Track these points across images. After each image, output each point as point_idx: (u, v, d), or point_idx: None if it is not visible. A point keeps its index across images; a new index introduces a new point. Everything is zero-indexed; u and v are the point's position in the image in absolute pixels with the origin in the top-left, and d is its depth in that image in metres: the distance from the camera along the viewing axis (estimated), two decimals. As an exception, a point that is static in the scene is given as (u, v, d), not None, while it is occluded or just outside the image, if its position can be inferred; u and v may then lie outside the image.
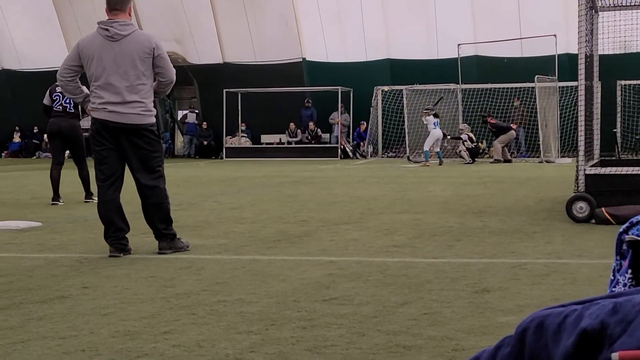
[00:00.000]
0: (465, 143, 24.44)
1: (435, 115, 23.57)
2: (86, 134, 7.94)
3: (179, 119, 32.90)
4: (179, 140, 33.04)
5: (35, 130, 33.13)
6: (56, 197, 11.14)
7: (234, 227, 8.43)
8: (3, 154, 33.36)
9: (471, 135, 24.77)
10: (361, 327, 4.01)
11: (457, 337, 3.81)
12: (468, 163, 23.70)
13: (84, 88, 6.69)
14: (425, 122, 23.66)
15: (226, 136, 30.19)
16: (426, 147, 23.29)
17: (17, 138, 33.53)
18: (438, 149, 23.65)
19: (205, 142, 31.13)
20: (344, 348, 3.64)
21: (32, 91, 31.95)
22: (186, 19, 30.17)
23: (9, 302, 4.73)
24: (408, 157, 25.80)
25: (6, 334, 3.98)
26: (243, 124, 30.59)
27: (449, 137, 24.93)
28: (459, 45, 26.54)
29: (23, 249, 7.02)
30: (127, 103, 6.38)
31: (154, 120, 6.58)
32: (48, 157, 31.99)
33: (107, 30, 6.41)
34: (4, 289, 5.14)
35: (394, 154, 28.46)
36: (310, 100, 30.24)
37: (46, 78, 30.68)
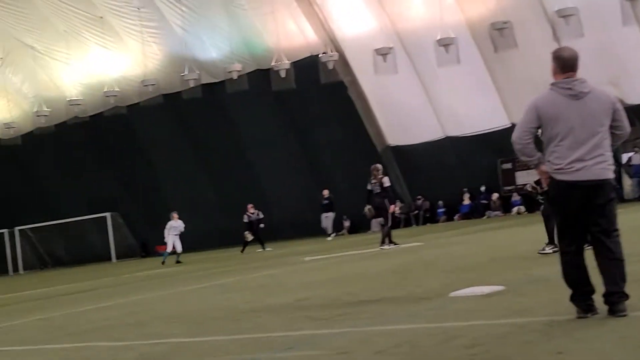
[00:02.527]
0: None
1: None
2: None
3: (624, 162, 31.81)
4: (627, 183, 31.85)
5: (482, 189, 34.18)
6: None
7: None
8: (455, 217, 34.81)
9: None
10: None
11: None
12: None
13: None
14: None
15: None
16: None
17: (466, 200, 34.83)
18: None
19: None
20: None
21: (476, 153, 33.28)
22: (620, 59, 29.34)
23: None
24: None
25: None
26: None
27: None
28: None
29: (490, 315, 7.22)
30: (593, 159, 6.33)
31: (614, 174, 6.50)
32: (497, 216, 32.83)
33: (570, 89, 6.42)
34: (481, 358, 5.33)
35: None
36: None
37: (489, 140, 31.79)
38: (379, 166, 20.26)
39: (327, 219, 33.87)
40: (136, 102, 37.14)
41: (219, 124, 37.51)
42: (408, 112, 34.00)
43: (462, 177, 34.05)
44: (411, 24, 32.25)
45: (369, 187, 20.00)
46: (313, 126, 35.88)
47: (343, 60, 33.47)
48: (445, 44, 29.37)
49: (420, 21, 31.79)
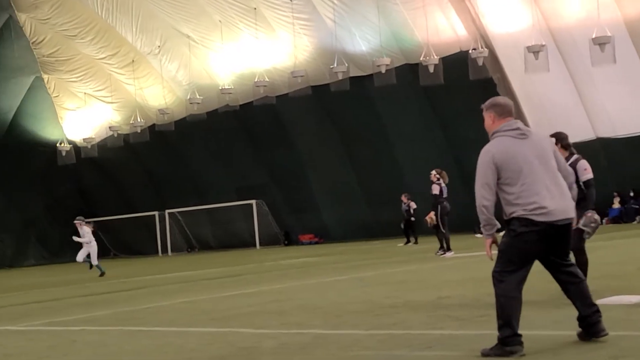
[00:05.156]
0: None
1: None
2: None
3: None
4: None
5: (631, 194, 33.04)
6: None
7: None
8: (604, 220, 33.73)
9: None
10: None
11: None
12: None
13: None
14: None
15: None
16: None
17: (616, 204, 33.73)
18: None
19: None
20: None
21: (628, 156, 32.15)
22: None
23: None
24: None
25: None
26: None
27: None
28: None
29: (638, 326, 6.99)
30: (561, 196, 6.24)
31: None
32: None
33: (517, 129, 6.45)
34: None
35: None
36: None
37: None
38: None
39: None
40: (285, 92, 37.74)
41: (366, 117, 37.68)
42: (558, 111, 33.15)
43: (612, 180, 32.95)
44: (565, 22, 31.42)
45: (436, 191, 20.34)
46: (460, 122, 35.50)
47: (493, 56, 32.96)
48: (600, 42, 28.42)
49: (575, 18, 30.92)
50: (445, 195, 20.62)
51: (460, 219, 35.25)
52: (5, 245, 45.87)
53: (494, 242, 6.35)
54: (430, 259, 19.66)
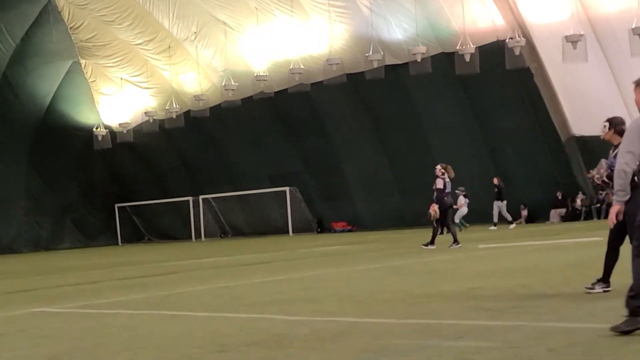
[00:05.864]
0: None
1: None
2: None
3: None
4: None
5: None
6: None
7: None
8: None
9: None
10: None
11: None
12: None
13: None
14: None
15: None
16: None
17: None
18: None
19: None
20: None
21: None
22: None
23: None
24: None
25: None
26: None
27: None
28: None
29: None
30: None
31: None
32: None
33: None
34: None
35: None
36: None
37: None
38: None
39: (495, 208, 32.91)
40: (320, 80, 37.72)
41: (400, 105, 37.56)
42: (596, 102, 32.83)
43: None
44: (604, 11, 31.07)
45: (440, 185, 20.61)
46: (495, 112, 35.30)
47: (530, 46, 32.68)
48: (640, 32, 28.10)
49: (615, 8, 30.57)
50: (448, 189, 20.63)
51: (489, 207, 35.15)
52: (41, 228, 46.40)
53: (620, 211, 6.54)
54: (463, 249, 19.60)
